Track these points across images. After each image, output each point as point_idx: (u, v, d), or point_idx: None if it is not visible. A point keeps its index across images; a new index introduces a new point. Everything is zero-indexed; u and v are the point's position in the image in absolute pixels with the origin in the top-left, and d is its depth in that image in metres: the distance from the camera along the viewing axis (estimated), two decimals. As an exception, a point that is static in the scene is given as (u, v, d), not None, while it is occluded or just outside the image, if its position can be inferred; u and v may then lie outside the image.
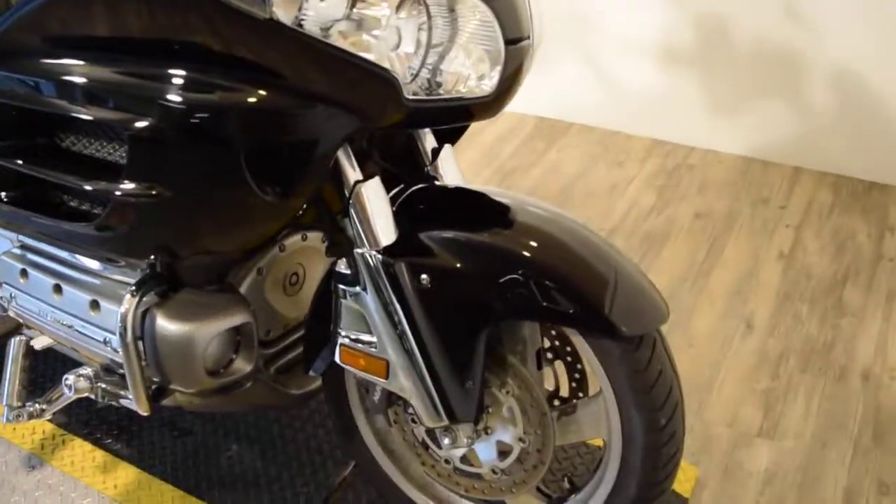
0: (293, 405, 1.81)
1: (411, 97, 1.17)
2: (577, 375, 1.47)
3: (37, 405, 1.64)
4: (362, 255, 1.29)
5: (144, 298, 1.40)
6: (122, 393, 1.53)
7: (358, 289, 1.32)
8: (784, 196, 2.90)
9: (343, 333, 1.38)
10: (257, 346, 1.47)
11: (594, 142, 3.28)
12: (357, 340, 1.36)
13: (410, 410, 1.46)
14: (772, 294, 2.43)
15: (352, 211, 1.28)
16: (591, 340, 1.29)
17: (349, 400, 1.60)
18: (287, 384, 1.60)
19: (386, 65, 1.14)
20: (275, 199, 1.23)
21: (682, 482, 1.81)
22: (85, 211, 1.42)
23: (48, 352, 1.69)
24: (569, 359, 1.45)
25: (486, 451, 1.46)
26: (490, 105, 1.24)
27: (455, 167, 1.45)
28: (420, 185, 1.40)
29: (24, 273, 1.58)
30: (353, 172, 1.27)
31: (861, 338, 2.25)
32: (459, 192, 1.40)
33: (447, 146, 1.45)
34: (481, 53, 1.21)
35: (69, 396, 1.54)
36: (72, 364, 1.62)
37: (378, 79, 1.14)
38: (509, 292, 1.24)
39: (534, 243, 1.26)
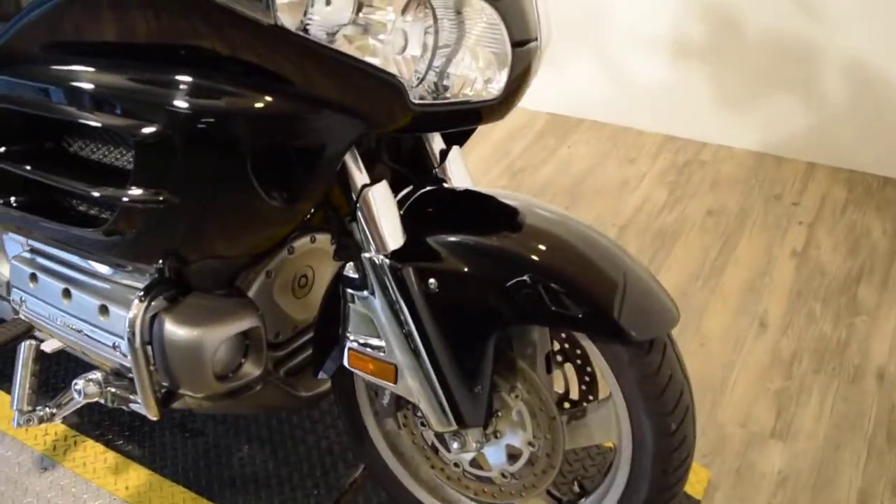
0: (303, 407, 1.81)
1: (418, 101, 1.17)
2: (587, 379, 1.46)
3: (47, 409, 1.65)
4: (370, 259, 1.29)
5: (153, 303, 1.40)
6: (131, 397, 1.54)
7: (366, 293, 1.31)
8: (797, 192, 2.87)
9: (351, 337, 1.37)
10: (266, 349, 1.47)
11: (605, 138, 3.26)
12: (365, 345, 1.36)
13: (419, 414, 1.46)
14: (785, 292, 2.40)
15: (359, 215, 1.27)
16: (600, 345, 1.28)
17: (359, 403, 1.60)
18: (297, 386, 1.60)
19: (392, 69, 1.14)
20: (282, 204, 1.22)
21: (694, 483, 1.80)
22: (93, 216, 1.43)
23: (61, 352, 1.69)
24: (579, 362, 1.44)
25: (495, 455, 1.46)
26: (497, 108, 1.24)
27: (463, 169, 1.44)
28: (428, 188, 1.39)
29: (33, 277, 1.59)
30: (360, 176, 1.27)
31: (875, 337, 2.23)
32: (467, 194, 1.39)
33: (455, 148, 1.44)
34: (488, 56, 1.20)
35: (79, 401, 1.55)
36: (83, 366, 1.63)
37: (384, 83, 1.14)
38: (517, 296, 1.23)
39: (542, 247, 1.25)
